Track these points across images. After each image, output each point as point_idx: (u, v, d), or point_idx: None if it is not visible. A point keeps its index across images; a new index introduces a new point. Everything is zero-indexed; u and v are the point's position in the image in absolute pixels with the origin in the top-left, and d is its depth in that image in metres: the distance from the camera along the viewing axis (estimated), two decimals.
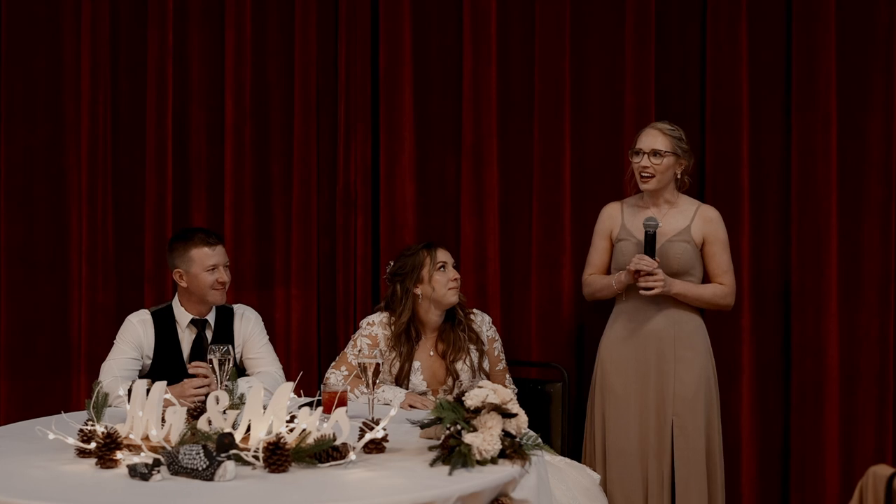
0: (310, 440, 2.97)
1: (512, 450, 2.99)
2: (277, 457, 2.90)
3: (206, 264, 3.97)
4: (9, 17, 4.86)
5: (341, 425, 3.00)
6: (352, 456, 2.98)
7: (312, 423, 3.01)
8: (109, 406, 3.27)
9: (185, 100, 4.84)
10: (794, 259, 4.58)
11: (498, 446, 2.97)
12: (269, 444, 2.93)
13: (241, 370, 4.02)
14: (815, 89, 4.54)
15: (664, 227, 4.13)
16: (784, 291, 4.61)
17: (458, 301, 4.13)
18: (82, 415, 3.30)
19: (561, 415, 4.39)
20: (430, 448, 3.08)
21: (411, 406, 3.91)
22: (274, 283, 4.82)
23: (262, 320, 4.15)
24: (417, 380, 4.09)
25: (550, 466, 3.48)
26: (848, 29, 4.53)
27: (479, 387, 3.03)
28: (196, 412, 3.30)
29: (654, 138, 4.15)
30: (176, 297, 4.06)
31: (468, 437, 2.95)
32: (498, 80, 4.71)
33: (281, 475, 2.89)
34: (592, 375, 4.31)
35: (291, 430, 3.01)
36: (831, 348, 4.53)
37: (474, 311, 4.25)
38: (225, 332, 4.03)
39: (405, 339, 4.11)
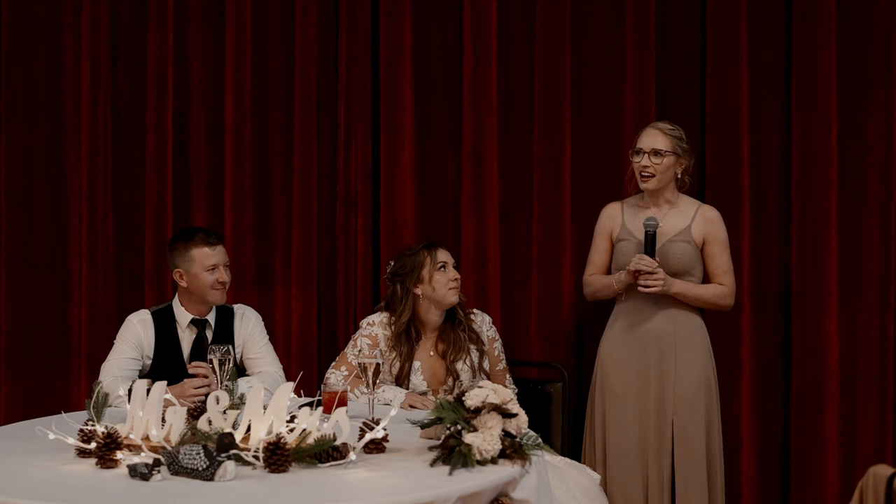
0: (310, 440, 2.97)
1: (512, 450, 2.99)
2: (278, 457, 2.90)
3: (206, 264, 3.97)
4: (9, 17, 4.86)
5: (341, 425, 3.00)
6: (352, 456, 2.98)
7: (312, 423, 3.01)
8: (110, 406, 3.27)
9: (186, 100, 4.84)
10: (795, 259, 4.58)
11: (498, 446, 2.97)
12: (269, 444, 2.93)
13: (241, 370, 4.02)
14: (815, 89, 4.54)
15: (664, 226, 4.14)
16: (784, 291, 4.61)
17: (458, 301, 4.13)
18: (82, 415, 3.30)
19: (561, 415, 4.39)
20: (431, 448, 3.08)
21: (411, 406, 3.91)
22: (274, 283, 4.82)
23: (263, 320, 4.15)
24: (418, 380, 4.09)
25: (550, 466, 3.48)
26: (848, 29, 4.53)
27: (480, 387, 3.03)
28: (196, 412, 3.30)
29: (654, 138, 4.15)
30: (176, 297, 4.06)
31: (468, 437, 2.95)
32: (498, 80, 4.71)
33: (281, 475, 2.89)
34: (592, 375, 4.31)
35: (292, 430, 3.01)
36: (831, 348, 4.53)
37: (474, 311, 4.25)
38: (225, 332, 4.03)
39: (405, 339, 4.11)
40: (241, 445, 2.97)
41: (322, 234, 4.83)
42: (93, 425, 3.13)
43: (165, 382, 3.18)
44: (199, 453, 2.84)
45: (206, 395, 3.38)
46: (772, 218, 4.61)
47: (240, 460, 2.92)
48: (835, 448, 4.53)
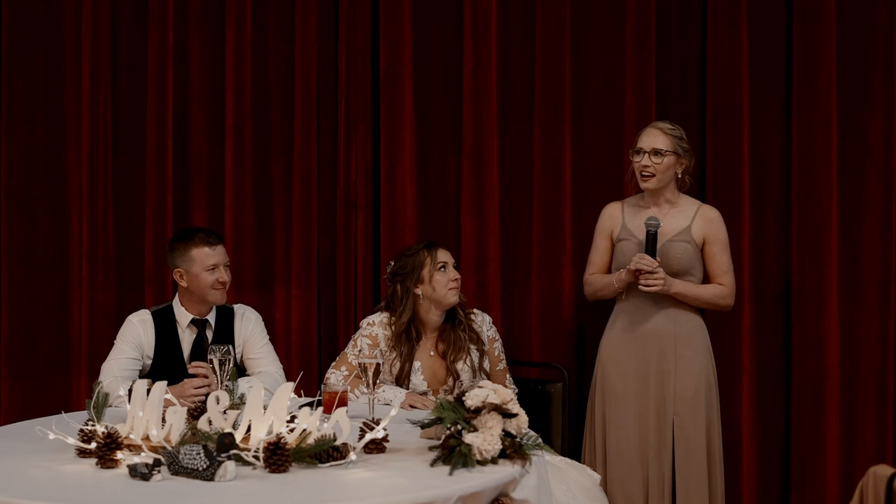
0: (310, 440, 2.97)
1: (512, 450, 2.99)
2: (278, 457, 2.90)
3: (206, 264, 3.97)
4: (9, 17, 4.86)
5: (342, 425, 3.00)
6: (352, 456, 2.98)
7: (313, 424, 3.01)
8: (110, 406, 3.27)
9: (186, 100, 4.84)
10: (795, 259, 4.58)
11: (498, 446, 2.97)
12: (269, 444, 2.93)
13: (241, 370, 4.02)
14: (815, 89, 4.54)
15: (665, 226, 4.14)
16: (784, 291, 4.61)
17: (458, 301, 4.13)
18: (83, 415, 3.30)
19: (561, 415, 4.39)
20: (431, 448, 3.08)
21: (412, 406, 3.91)
22: (274, 283, 4.82)
23: (263, 320, 4.15)
24: (418, 380, 4.09)
25: (551, 466, 3.48)
26: (848, 29, 4.53)
27: (480, 387, 3.03)
28: (196, 412, 3.30)
29: (654, 137, 4.15)
30: (176, 297, 4.06)
31: (468, 437, 2.95)
32: (498, 80, 4.71)
33: (281, 475, 2.89)
34: (593, 375, 4.31)
35: (292, 431, 3.01)
36: (831, 348, 4.53)
37: (475, 310, 4.25)
38: (225, 332, 4.03)
39: (405, 339, 4.11)
40: (242, 445, 2.97)
41: (322, 234, 4.83)
42: (93, 425, 3.13)
43: (166, 382, 3.18)
44: (199, 453, 2.84)
45: (207, 395, 3.38)
46: (772, 218, 4.61)
47: (240, 460, 2.92)
48: (835, 448, 4.53)
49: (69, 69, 4.86)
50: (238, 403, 3.35)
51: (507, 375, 4.26)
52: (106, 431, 3.04)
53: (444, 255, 4.15)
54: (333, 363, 4.17)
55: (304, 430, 3.00)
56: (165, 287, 4.76)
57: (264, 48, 4.83)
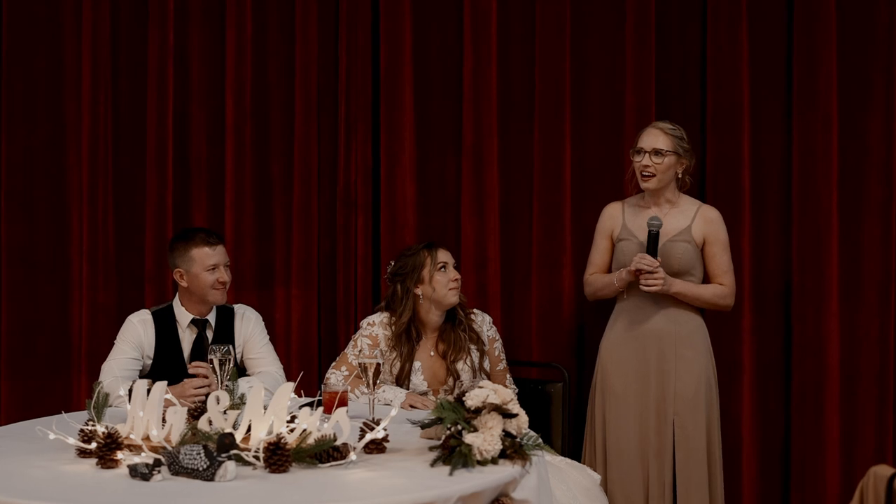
0: (310, 440, 2.97)
1: (512, 450, 2.99)
2: (278, 457, 2.90)
3: (206, 264, 3.97)
4: (9, 17, 4.86)
5: (342, 425, 3.00)
6: (352, 456, 2.98)
7: (313, 424, 3.01)
8: (110, 406, 3.28)
9: (186, 100, 4.84)
10: (795, 259, 4.58)
11: (498, 446, 2.97)
12: (269, 444, 2.93)
13: (241, 370, 4.02)
14: (815, 89, 4.54)
15: (665, 226, 4.13)
16: (784, 291, 4.61)
17: (458, 301, 4.13)
18: (83, 415, 3.30)
19: (561, 415, 4.39)
20: (431, 448, 3.08)
21: (412, 406, 3.91)
22: (274, 283, 4.82)
23: (263, 320, 4.15)
24: (418, 380, 4.09)
25: (551, 466, 3.48)
26: (848, 29, 4.53)
27: (480, 387, 3.03)
28: (197, 412, 3.30)
29: (655, 137, 4.15)
30: (176, 297, 4.06)
31: (469, 438, 2.95)
32: (498, 80, 4.71)
33: (281, 475, 2.89)
34: (593, 375, 4.31)
35: (292, 431, 3.01)
36: (832, 348, 4.53)
37: (475, 311, 4.25)
38: (225, 332, 4.03)
39: (406, 339, 4.11)
40: (242, 445, 2.97)
41: (322, 235, 4.83)
42: (93, 425, 3.13)
43: (166, 382, 3.18)
44: (199, 453, 2.85)
45: (207, 395, 3.38)
46: (772, 218, 4.61)
47: (240, 460, 2.92)
48: (835, 448, 4.53)
49: (69, 69, 4.86)
50: (238, 403, 3.35)
51: (508, 375, 4.26)
52: (106, 431, 3.04)
53: (444, 256, 4.15)
54: (333, 363, 4.17)
55: (305, 430, 3.00)
56: (166, 287, 4.76)
57: (264, 48, 4.83)
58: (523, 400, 3.26)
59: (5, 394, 4.85)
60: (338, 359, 4.17)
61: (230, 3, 4.80)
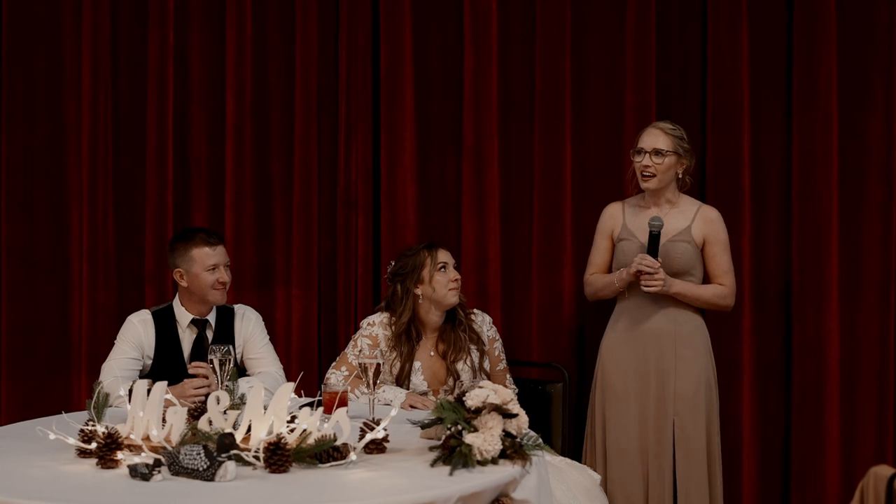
0: (310, 440, 2.97)
1: (513, 450, 2.99)
2: (278, 457, 2.90)
3: (206, 264, 3.97)
4: (9, 17, 4.86)
5: (342, 425, 3.00)
6: (352, 456, 2.98)
7: (313, 424, 3.01)
8: (110, 406, 3.27)
9: (186, 100, 4.84)
10: (795, 259, 4.58)
11: (499, 446, 2.97)
12: (269, 444, 2.93)
13: (241, 370, 4.02)
14: (815, 89, 4.54)
15: (665, 226, 4.13)
16: (784, 291, 4.61)
17: (458, 302, 4.13)
18: (83, 415, 3.30)
19: (561, 415, 4.39)
20: (431, 448, 3.08)
21: (412, 406, 3.91)
22: (274, 284, 4.82)
23: (263, 320, 4.15)
24: (418, 380, 4.09)
25: (551, 467, 3.48)
26: (848, 29, 4.53)
27: (480, 387, 3.03)
28: (197, 412, 3.30)
29: (655, 138, 4.15)
30: (177, 297, 4.06)
31: (469, 438, 2.95)
32: (498, 80, 4.71)
33: (281, 475, 2.89)
34: (593, 375, 4.31)
35: (292, 431, 3.01)
36: (832, 348, 4.53)
37: (475, 311, 4.25)
38: (225, 333, 4.03)
39: (406, 339, 4.10)
40: (242, 446, 2.97)
41: (322, 235, 4.83)
42: (93, 425, 3.13)
43: (166, 382, 3.18)
44: (199, 453, 2.85)
45: (207, 395, 3.38)
46: (772, 218, 4.61)
47: (240, 460, 2.92)
48: (835, 448, 4.53)
49: (69, 69, 4.86)
50: (238, 403, 3.35)
51: (508, 375, 4.26)
52: (106, 431, 3.04)
53: (444, 256, 4.15)
54: (334, 363, 4.17)
55: (305, 430, 3.00)
56: (166, 287, 4.76)
57: (264, 48, 4.82)
58: (523, 400, 3.26)
59: (5, 394, 4.85)
60: (338, 359, 4.17)
61: (230, 3, 4.80)
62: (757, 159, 4.60)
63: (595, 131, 4.70)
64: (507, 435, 3.00)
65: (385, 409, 3.33)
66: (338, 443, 2.97)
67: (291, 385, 3.09)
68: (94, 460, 3.02)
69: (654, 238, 4.05)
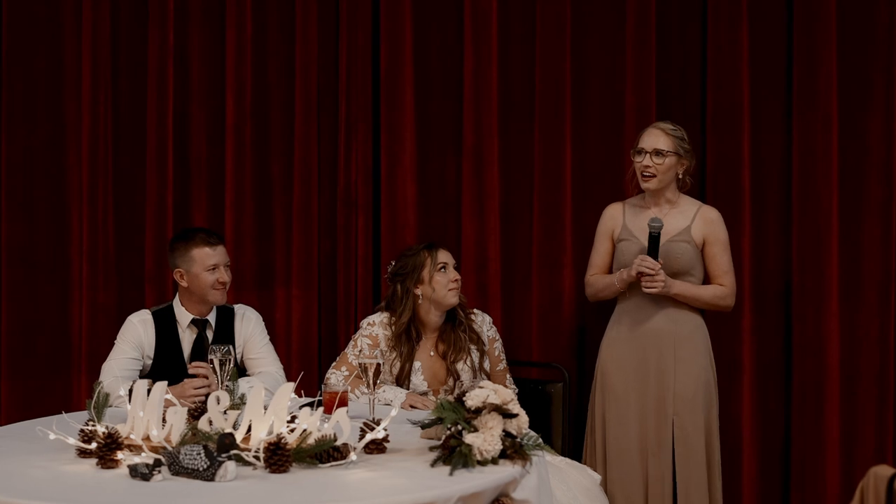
0: (310, 440, 2.97)
1: (513, 450, 2.99)
2: (278, 457, 2.90)
3: (206, 264, 3.97)
4: (9, 17, 4.86)
5: (342, 426, 3.00)
6: (352, 456, 2.98)
7: (313, 424, 3.01)
8: (110, 406, 3.27)
9: (186, 100, 4.84)
10: (795, 259, 4.58)
11: (499, 446, 2.97)
12: (269, 444, 2.93)
13: (241, 370, 4.02)
14: (815, 89, 4.54)
15: (665, 227, 4.13)
16: (784, 291, 4.61)
17: (458, 302, 4.13)
18: (83, 415, 3.30)
19: (561, 415, 4.39)
20: (431, 448, 3.08)
21: (412, 406, 3.91)
22: (274, 284, 4.82)
23: (263, 320, 4.15)
24: (418, 380, 4.09)
25: (551, 467, 3.48)
26: (848, 29, 4.53)
27: (480, 387, 3.03)
28: (197, 412, 3.30)
29: (656, 138, 4.15)
30: (177, 297, 4.06)
31: (469, 438, 2.95)
32: (499, 80, 4.71)
33: (282, 475, 2.89)
34: (593, 375, 4.31)
35: (292, 431, 3.01)
36: (832, 348, 4.53)
37: (475, 311, 4.25)
38: (226, 333, 4.03)
39: (406, 339, 4.11)
40: (242, 446, 2.97)
41: (322, 235, 4.83)
42: (93, 425, 3.13)
43: (166, 382, 3.18)
44: (199, 453, 2.84)
45: (207, 395, 3.38)
46: (772, 218, 4.61)
47: (240, 460, 2.92)
48: (835, 448, 4.53)
49: (69, 69, 4.86)
50: (238, 403, 3.35)
51: (508, 375, 4.26)
52: (106, 431, 3.04)
53: (444, 256, 4.15)
54: (334, 363, 4.17)
55: (305, 430, 3.00)
56: (166, 287, 4.76)
57: (264, 48, 4.82)
58: (523, 400, 3.26)
59: (5, 394, 4.85)
60: (338, 359, 4.17)
61: (230, 3, 4.79)
62: (757, 159, 4.60)
63: (595, 131, 4.70)
64: (507, 435, 3.00)
65: (385, 409, 3.33)
66: (338, 443, 2.97)
67: (291, 385, 3.09)
68: (95, 460, 3.02)
69: (654, 239, 4.05)
